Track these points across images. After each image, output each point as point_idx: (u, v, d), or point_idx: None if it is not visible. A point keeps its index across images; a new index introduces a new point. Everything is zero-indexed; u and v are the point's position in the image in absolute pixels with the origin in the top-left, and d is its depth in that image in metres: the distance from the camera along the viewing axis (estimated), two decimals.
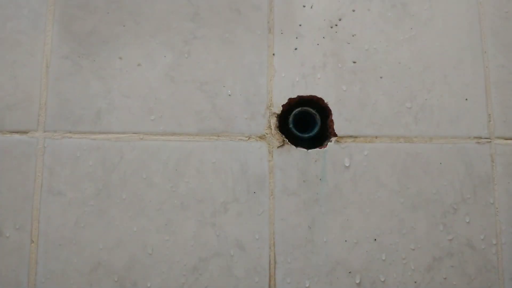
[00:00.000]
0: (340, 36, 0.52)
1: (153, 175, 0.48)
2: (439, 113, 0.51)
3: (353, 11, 0.52)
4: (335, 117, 0.50)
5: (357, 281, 0.47)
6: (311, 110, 0.50)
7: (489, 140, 0.51)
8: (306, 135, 0.50)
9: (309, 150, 0.49)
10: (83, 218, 0.47)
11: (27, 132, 0.49)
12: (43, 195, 0.48)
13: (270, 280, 0.47)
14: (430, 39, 0.52)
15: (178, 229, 0.47)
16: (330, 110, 0.50)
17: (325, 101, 0.50)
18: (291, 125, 0.49)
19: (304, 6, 0.52)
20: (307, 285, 0.47)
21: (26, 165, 0.48)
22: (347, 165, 0.49)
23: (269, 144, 0.49)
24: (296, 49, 0.51)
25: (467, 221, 0.49)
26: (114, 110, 0.49)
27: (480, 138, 0.50)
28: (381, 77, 0.51)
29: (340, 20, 0.52)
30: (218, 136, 0.49)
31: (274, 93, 0.50)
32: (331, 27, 0.52)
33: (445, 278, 0.48)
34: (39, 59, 0.50)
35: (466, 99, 0.51)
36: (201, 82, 0.50)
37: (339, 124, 0.50)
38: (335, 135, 0.50)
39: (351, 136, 0.50)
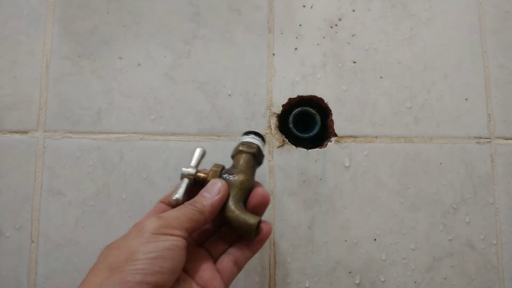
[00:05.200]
0: (340, 36, 0.52)
1: (153, 175, 0.48)
2: (439, 113, 0.51)
3: (353, 11, 0.52)
4: (335, 117, 0.50)
5: (357, 281, 0.47)
6: (311, 110, 0.50)
7: (489, 140, 0.50)
8: (306, 135, 0.50)
9: (309, 150, 0.49)
10: (83, 218, 0.47)
11: (27, 132, 0.49)
12: (43, 195, 0.48)
13: (270, 280, 0.47)
14: (430, 39, 0.52)
15: None
16: (330, 110, 0.50)
17: (325, 101, 0.50)
18: (291, 125, 0.49)
19: (304, 6, 0.52)
20: (307, 285, 0.47)
21: (26, 165, 0.48)
22: (347, 165, 0.49)
23: (269, 144, 0.49)
24: (296, 49, 0.51)
25: (467, 221, 0.49)
26: (114, 110, 0.49)
27: (480, 138, 0.50)
28: (381, 77, 0.51)
29: (340, 20, 0.52)
30: (218, 136, 0.49)
31: (274, 93, 0.50)
32: (331, 27, 0.52)
33: (445, 278, 0.48)
34: (39, 59, 0.50)
35: (466, 99, 0.51)
36: (201, 82, 0.50)
37: (339, 124, 0.50)
38: (335, 135, 0.50)
39: (351, 136, 0.50)
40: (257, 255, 0.47)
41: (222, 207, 0.34)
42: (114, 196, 0.48)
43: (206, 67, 0.50)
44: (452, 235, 0.49)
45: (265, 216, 0.48)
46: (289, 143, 0.49)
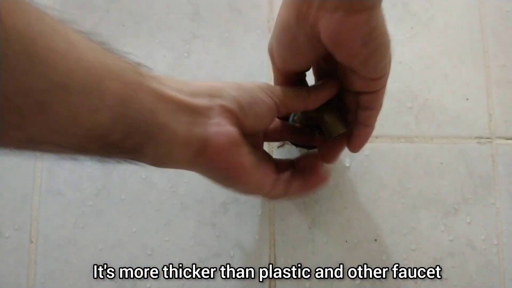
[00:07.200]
0: None
1: (153, 175, 0.48)
2: (439, 113, 0.50)
3: None
4: None
5: (357, 282, 0.47)
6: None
7: (490, 140, 0.50)
8: None
9: (310, 150, 0.49)
10: (83, 218, 0.47)
11: None
12: (43, 195, 0.47)
13: (270, 281, 0.47)
14: (431, 39, 0.52)
15: (177, 229, 0.47)
16: None
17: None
18: None
19: None
20: (307, 286, 0.47)
21: (26, 165, 0.48)
22: (347, 165, 0.49)
23: (269, 144, 0.49)
24: None
25: (468, 221, 0.49)
26: None
27: (481, 138, 0.50)
28: None
29: None
30: None
31: None
32: None
33: (445, 279, 0.48)
34: None
35: (467, 99, 0.51)
36: None
37: None
38: None
39: None
40: (257, 256, 0.47)
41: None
42: (113, 196, 0.48)
43: (206, 66, 0.50)
44: (453, 236, 0.48)
45: (264, 216, 0.48)
46: (289, 144, 0.49)
